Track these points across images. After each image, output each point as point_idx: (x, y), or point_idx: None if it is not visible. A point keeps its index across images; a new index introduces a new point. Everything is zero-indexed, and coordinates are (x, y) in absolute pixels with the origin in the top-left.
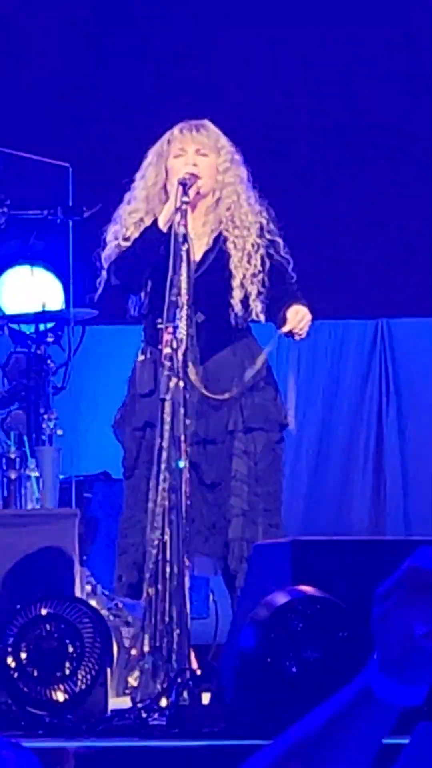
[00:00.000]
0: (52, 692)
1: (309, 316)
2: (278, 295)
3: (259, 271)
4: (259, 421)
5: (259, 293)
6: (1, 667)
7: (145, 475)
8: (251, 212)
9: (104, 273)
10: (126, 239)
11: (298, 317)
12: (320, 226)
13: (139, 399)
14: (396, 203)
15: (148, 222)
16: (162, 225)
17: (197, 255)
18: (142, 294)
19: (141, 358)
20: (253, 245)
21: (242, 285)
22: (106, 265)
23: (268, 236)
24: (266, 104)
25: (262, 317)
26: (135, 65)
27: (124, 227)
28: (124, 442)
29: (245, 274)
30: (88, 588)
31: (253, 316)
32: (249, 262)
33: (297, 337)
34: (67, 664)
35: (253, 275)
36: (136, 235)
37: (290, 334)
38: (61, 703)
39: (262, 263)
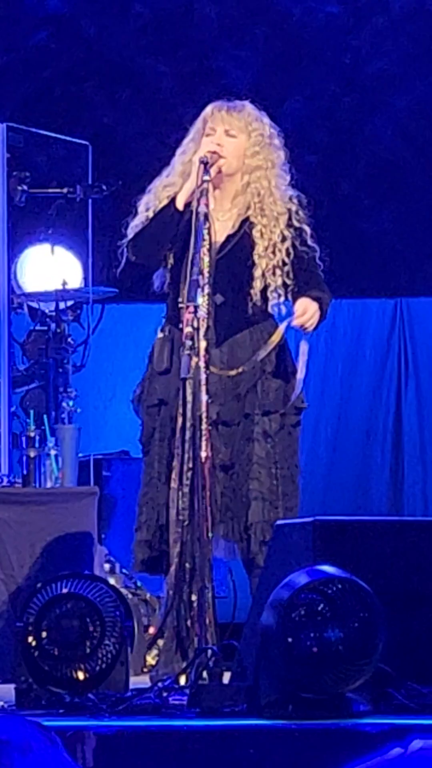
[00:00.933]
0: (73, 671)
1: (315, 310)
2: (302, 285)
3: (284, 263)
4: (277, 404)
5: (284, 284)
6: (21, 645)
7: (158, 453)
8: (281, 200)
9: (126, 244)
10: (155, 212)
11: (304, 312)
12: (340, 205)
13: (155, 376)
14: (417, 182)
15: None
16: (179, 203)
17: (220, 236)
18: (166, 271)
19: (160, 335)
20: (279, 236)
21: (263, 276)
22: (130, 234)
23: (296, 224)
24: (278, 82)
25: (283, 309)
26: (155, 43)
27: (157, 199)
28: (142, 419)
29: (268, 265)
30: (107, 566)
31: (270, 308)
32: (273, 253)
33: (305, 331)
34: (88, 643)
35: (276, 266)
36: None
37: (300, 326)
38: (81, 681)
39: (288, 254)
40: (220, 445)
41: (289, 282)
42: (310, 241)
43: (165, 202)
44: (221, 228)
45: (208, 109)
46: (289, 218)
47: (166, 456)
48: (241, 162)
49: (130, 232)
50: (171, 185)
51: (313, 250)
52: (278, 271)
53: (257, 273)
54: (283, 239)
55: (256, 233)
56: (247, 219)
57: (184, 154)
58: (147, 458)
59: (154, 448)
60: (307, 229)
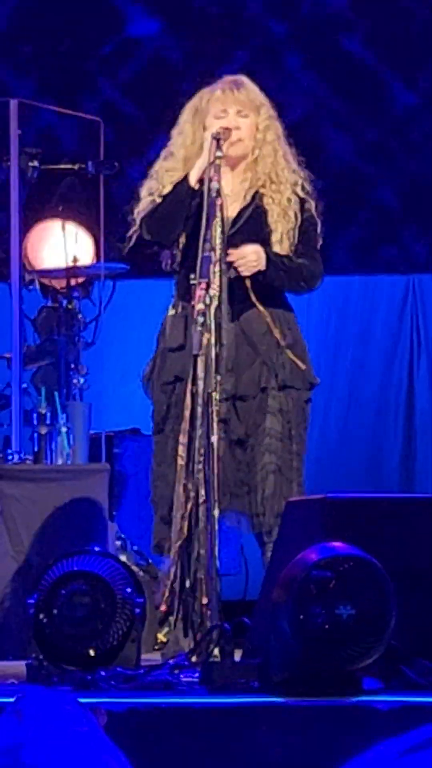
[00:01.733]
0: (84, 648)
1: (255, 257)
2: (295, 251)
3: (295, 227)
4: (292, 379)
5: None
6: (32, 622)
7: (173, 430)
8: (288, 169)
9: (135, 227)
10: (161, 196)
11: (243, 255)
12: (351, 182)
13: (168, 353)
14: (429, 159)
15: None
16: (193, 181)
17: (232, 212)
18: (175, 248)
19: (171, 312)
20: (288, 200)
21: (281, 240)
22: (138, 220)
23: (300, 193)
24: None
25: None
26: (168, 18)
27: (161, 185)
28: (153, 397)
29: (285, 228)
30: (118, 543)
31: None
32: (285, 217)
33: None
34: (99, 620)
35: (291, 230)
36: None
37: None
38: (92, 658)
39: (295, 218)
40: (236, 419)
41: (296, 246)
42: (314, 213)
43: (169, 187)
44: (234, 203)
45: (216, 91)
46: (296, 186)
47: (181, 433)
48: (254, 139)
49: (136, 219)
50: (173, 170)
51: (314, 222)
52: (291, 234)
53: (275, 238)
54: (291, 203)
55: (267, 200)
56: (257, 191)
57: (182, 135)
58: (160, 436)
59: (169, 425)
60: (312, 201)
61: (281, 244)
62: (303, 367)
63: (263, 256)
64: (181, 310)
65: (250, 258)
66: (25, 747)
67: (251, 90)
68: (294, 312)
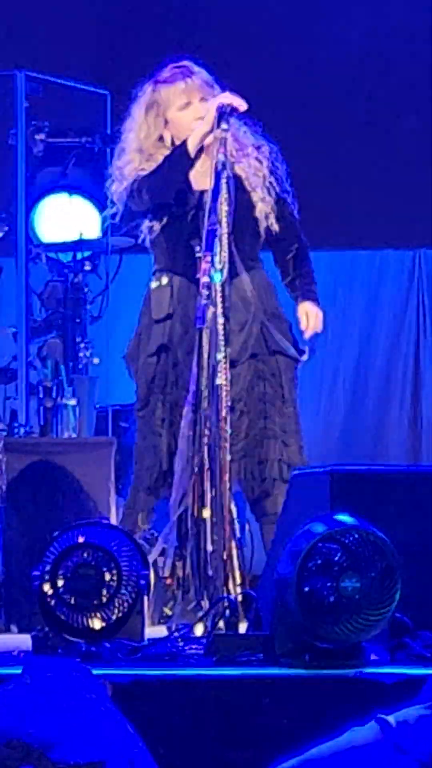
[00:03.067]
0: (89, 620)
1: (319, 314)
2: (282, 238)
3: (266, 182)
4: (282, 344)
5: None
6: (38, 594)
7: (160, 400)
8: (247, 133)
9: (119, 206)
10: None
11: (311, 321)
12: (358, 156)
13: (153, 324)
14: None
15: (147, 166)
16: (191, 146)
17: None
18: (155, 220)
19: (155, 284)
20: (257, 159)
21: (264, 198)
22: (120, 201)
23: (264, 155)
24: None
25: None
26: None
27: (124, 181)
28: (137, 373)
29: (262, 184)
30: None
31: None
32: (259, 175)
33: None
34: (104, 592)
35: (267, 186)
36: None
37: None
38: (97, 630)
39: (266, 175)
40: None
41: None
42: (285, 184)
43: (131, 179)
44: (205, 181)
45: (177, 82)
46: (259, 148)
47: (169, 402)
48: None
49: (116, 198)
50: (129, 163)
51: (286, 190)
52: (271, 190)
53: (257, 197)
54: (263, 165)
55: (238, 166)
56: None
57: (134, 132)
58: (145, 410)
59: (155, 395)
60: (281, 167)
61: (264, 202)
62: (290, 336)
63: (316, 309)
64: (168, 281)
65: (318, 318)
66: (31, 714)
67: (202, 74)
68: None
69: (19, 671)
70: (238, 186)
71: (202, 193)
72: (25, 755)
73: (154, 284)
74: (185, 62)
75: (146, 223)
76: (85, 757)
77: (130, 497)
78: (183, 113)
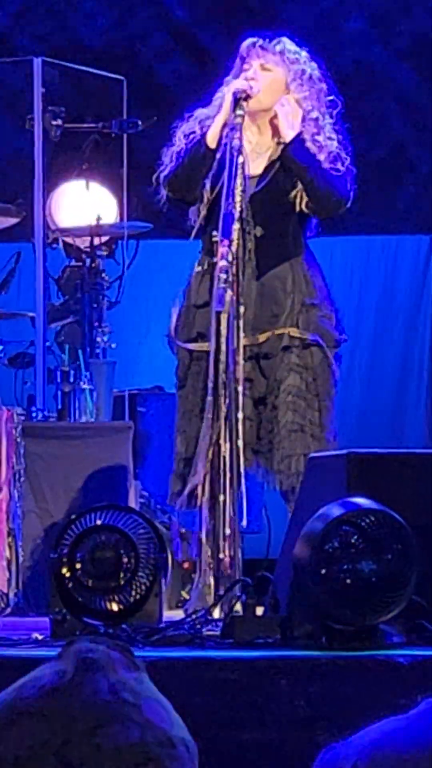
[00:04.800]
0: (107, 602)
1: (291, 110)
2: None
3: None
4: (316, 336)
5: None
6: (56, 577)
7: (193, 386)
8: (321, 130)
9: (166, 165)
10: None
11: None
12: (374, 139)
13: (193, 310)
14: None
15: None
16: (209, 137)
17: (259, 168)
18: (200, 206)
19: (198, 269)
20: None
21: (301, 195)
22: (166, 161)
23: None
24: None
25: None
26: None
27: (198, 129)
28: (178, 353)
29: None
30: (141, 501)
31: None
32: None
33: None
34: (122, 575)
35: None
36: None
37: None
38: (115, 613)
39: None
40: (260, 377)
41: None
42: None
43: (204, 131)
44: (259, 161)
45: (244, 45)
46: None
47: (201, 389)
48: (275, 96)
49: (167, 160)
50: (210, 118)
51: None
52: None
53: (295, 192)
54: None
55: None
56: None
57: (226, 85)
58: (182, 391)
59: (190, 381)
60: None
61: (302, 200)
62: (328, 326)
63: (297, 124)
64: (206, 266)
65: (293, 109)
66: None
67: (283, 47)
68: (321, 270)
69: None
70: (287, 176)
71: (249, 178)
72: None
73: (197, 268)
74: (279, 37)
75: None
76: None
77: (171, 476)
78: (243, 73)
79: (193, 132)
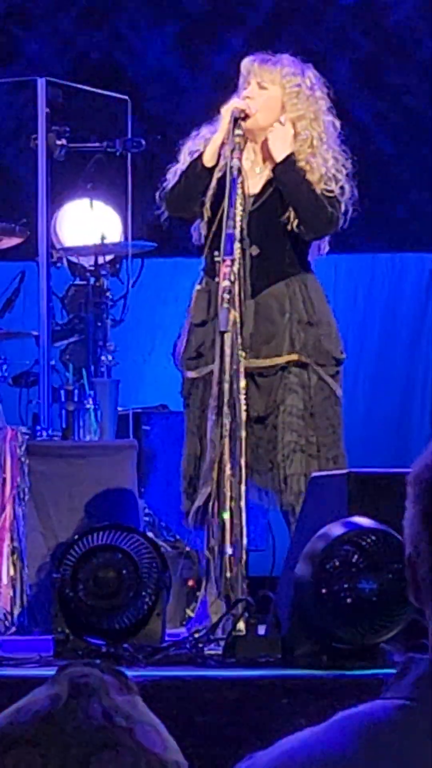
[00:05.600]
0: (110, 622)
1: (285, 136)
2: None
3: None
4: (314, 355)
5: None
6: (59, 597)
7: (195, 405)
8: (319, 149)
9: (170, 183)
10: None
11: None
12: (377, 159)
13: (193, 328)
14: None
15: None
16: (207, 156)
17: (255, 188)
18: (201, 224)
19: (198, 287)
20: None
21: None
22: (172, 176)
23: (330, 175)
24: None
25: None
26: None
27: (202, 146)
28: (182, 371)
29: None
30: (146, 519)
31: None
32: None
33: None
34: (124, 594)
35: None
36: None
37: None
38: (118, 632)
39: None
40: (257, 396)
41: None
42: (345, 195)
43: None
44: (257, 180)
45: (244, 62)
46: (326, 165)
47: (202, 408)
48: (273, 115)
49: (170, 176)
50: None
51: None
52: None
53: (292, 214)
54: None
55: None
56: (240, 173)
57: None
58: (186, 410)
59: (192, 400)
60: (343, 187)
61: (293, 221)
62: (326, 344)
63: (288, 146)
64: (205, 285)
65: (285, 130)
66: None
67: (282, 66)
68: (322, 287)
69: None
70: (274, 191)
71: (246, 197)
72: None
73: (197, 287)
74: (280, 55)
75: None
76: None
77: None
78: (243, 91)
79: (198, 150)
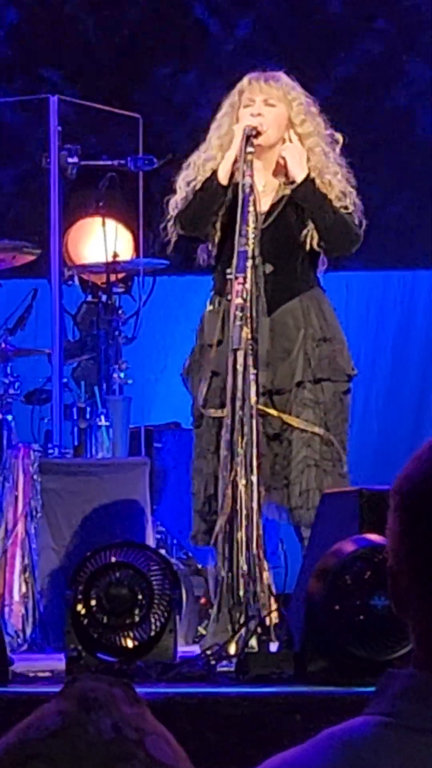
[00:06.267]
0: (122, 639)
1: (299, 155)
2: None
3: None
4: (328, 371)
5: None
6: (71, 614)
7: (209, 424)
8: (328, 165)
9: (170, 221)
10: (194, 191)
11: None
12: (391, 175)
13: (206, 349)
14: None
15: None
16: (221, 174)
17: (266, 205)
18: (210, 244)
19: (209, 308)
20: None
21: (311, 234)
22: (172, 212)
23: (341, 190)
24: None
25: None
26: (204, 17)
27: (198, 173)
28: (193, 391)
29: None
30: (158, 537)
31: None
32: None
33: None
34: (137, 611)
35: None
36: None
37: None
38: (130, 649)
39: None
40: (273, 413)
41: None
42: (352, 212)
43: (208, 174)
44: (267, 198)
45: (245, 80)
46: (337, 180)
47: (217, 426)
48: (281, 132)
49: (172, 210)
50: (211, 159)
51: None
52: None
53: (306, 231)
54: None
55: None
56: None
57: (220, 128)
58: (198, 429)
59: (206, 419)
60: (354, 203)
61: (313, 239)
62: (340, 360)
63: (304, 165)
64: (218, 305)
65: (298, 149)
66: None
67: (283, 82)
68: (331, 304)
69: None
70: (294, 214)
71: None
72: None
73: (209, 307)
74: (278, 72)
75: (202, 246)
76: None
77: (192, 515)
78: (244, 110)
79: (195, 179)
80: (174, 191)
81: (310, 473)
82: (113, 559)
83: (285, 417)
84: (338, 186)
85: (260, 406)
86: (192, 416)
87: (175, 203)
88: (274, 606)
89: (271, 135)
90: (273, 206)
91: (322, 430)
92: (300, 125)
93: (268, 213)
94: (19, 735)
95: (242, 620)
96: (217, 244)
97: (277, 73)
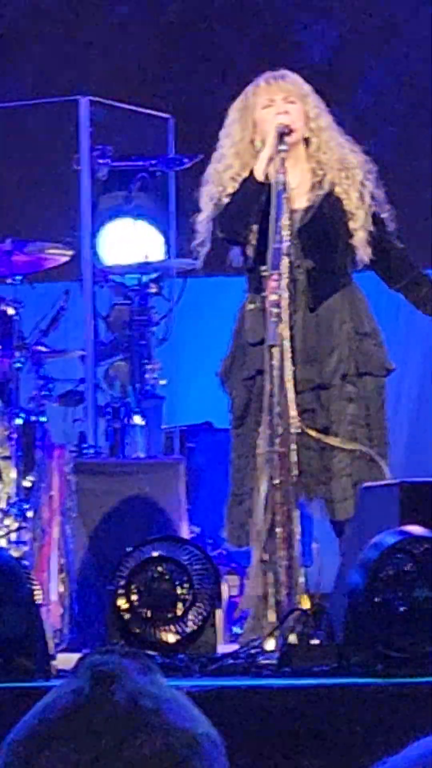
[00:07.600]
0: (164, 633)
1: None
2: (380, 246)
3: (371, 212)
4: (371, 365)
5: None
6: (112, 609)
7: (254, 423)
8: (352, 154)
9: (201, 236)
10: (227, 196)
11: None
12: (417, 176)
13: (248, 348)
14: None
15: (244, 175)
16: (259, 175)
17: (300, 203)
18: (248, 245)
19: (250, 307)
20: (362, 184)
21: (364, 225)
22: (203, 227)
23: (370, 178)
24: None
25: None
26: (233, 17)
27: (221, 185)
28: (232, 392)
29: (365, 212)
30: (192, 536)
31: (363, 260)
32: (363, 201)
33: None
34: (178, 606)
35: (370, 214)
36: (236, 188)
37: None
38: (172, 644)
39: (372, 201)
40: (320, 408)
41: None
42: (382, 202)
43: (231, 186)
44: (299, 193)
45: (260, 82)
46: (366, 171)
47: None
48: (304, 128)
49: (200, 228)
50: (230, 168)
51: (385, 210)
52: (370, 219)
53: (356, 224)
54: (367, 187)
55: (341, 187)
56: (324, 180)
57: (230, 136)
58: (241, 429)
59: (250, 418)
60: (380, 192)
61: (364, 230)
62: (380, 355)
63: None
64: (259, 303)
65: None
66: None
67: (295, 79)
68: (367, 299)
69: None
70: (334, 209)
71: (292, 212)
72: None
73: (249, 306)
74: (284, 70)
75: (234, 248)
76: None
77: (230, 515)
78: (265, 111)
79: (221, 191)
80: (199, 209)
81: (358, 466)
82: (155, 554)
83: (324, 438)
84: (390, 225)
85: (300, 424)
86: (232, 416)
87: (201, 221)
88: (310, 602)
89: (299, 131)
90: (309, 202)
91: (363, 447)
92: (315, 119)
93: (306, 210)
94: (35, 718)
95: (281, 617)
96: (255, 244)
97: (285, 70)
